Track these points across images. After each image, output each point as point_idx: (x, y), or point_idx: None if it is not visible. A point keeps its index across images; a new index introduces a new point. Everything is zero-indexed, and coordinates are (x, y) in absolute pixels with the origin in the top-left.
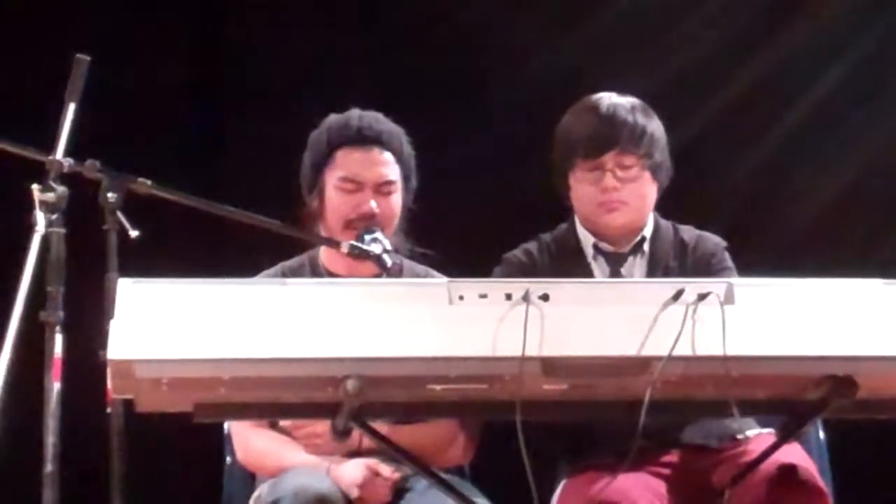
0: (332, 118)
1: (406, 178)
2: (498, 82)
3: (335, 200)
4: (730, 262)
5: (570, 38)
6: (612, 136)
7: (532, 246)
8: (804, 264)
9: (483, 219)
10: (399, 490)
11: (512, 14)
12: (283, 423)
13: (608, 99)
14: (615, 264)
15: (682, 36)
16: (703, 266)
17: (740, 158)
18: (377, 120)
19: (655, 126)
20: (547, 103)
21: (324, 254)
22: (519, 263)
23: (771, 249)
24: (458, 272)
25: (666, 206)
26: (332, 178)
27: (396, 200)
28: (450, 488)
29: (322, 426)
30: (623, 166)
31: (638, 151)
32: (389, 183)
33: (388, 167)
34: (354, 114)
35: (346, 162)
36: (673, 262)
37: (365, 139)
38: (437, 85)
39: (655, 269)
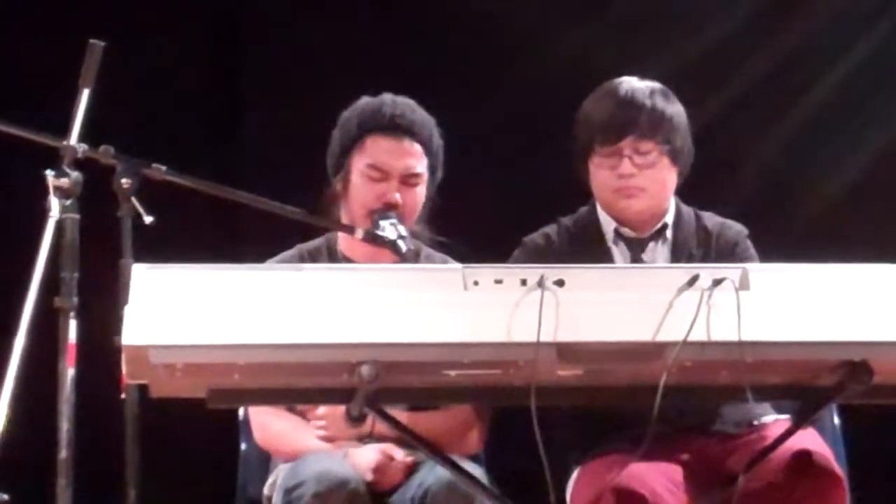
0: (365, 101)
1: (433, 169)
2: (516, 67)
3: (360, 188)
4: (753, 251)
5: (589, 22)
6: (629, 121)
7: (551, 230)
8: (821, 249)
9: (502, 206)
10: (411, 473)
11: None
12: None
13: (627, 83)
14: (636, 249)
15: (700, 20)
16: (726, 254)
17: (757, 143)
18: (410, 108)
19: (676, 110)
20: (566, 88)
21: (342, 239)
22: (536, 247)
23: (787, 234)
24: (476, 260)
25: (683, 190)
26: (359, 164)
27: (421, 192)
28: (462, 472)
29: (325, 409)
30: (640, 152)
31: (656, 137)
32: (416, 175)
33: (417, 159)
34: (388, 99)
35: (375, 149)
36: (696, 249)
37: (397, 128)
38: (456, 69)
39: (679, 256)
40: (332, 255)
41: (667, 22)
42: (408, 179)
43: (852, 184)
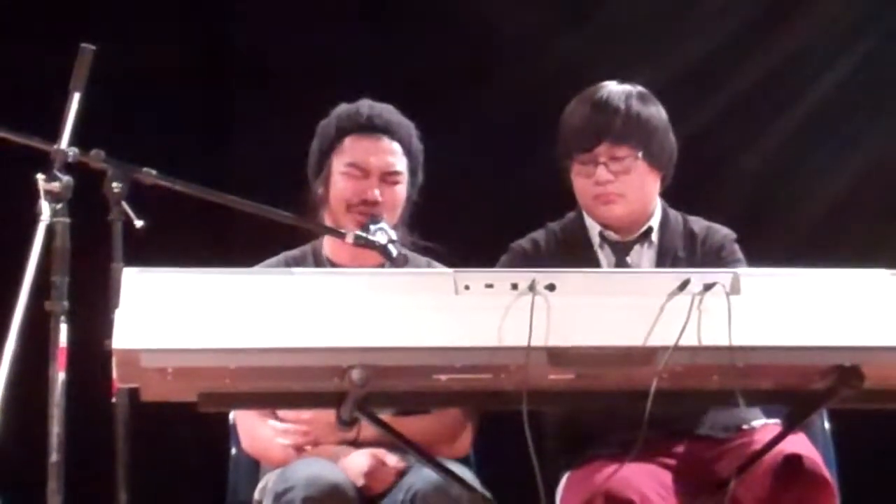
0: (343, 107)
1: (412, 171)
2: (504, 73)
3: (340, 185)
4: (740, 254)
5: (579, 28)
6: (602, 126)
7: (539, 235)
8: (813, 254)
9: (490, 211)
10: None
11: (520, 4)
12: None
13: (604, 88)
14: (620, 253)
15: (692, 26)
16: (712, 258)
17: (749, 149)
18: (388, 110)
19: (653, 113)
20: (558, 92)
21: (327, 244)
22: (523, 252)
23: (779, 240)
24: (466, 264)
25: (675, 196)
26: (338, 164)
27: (401, 191)
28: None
29: (308, 413)
30: (616, 158)
31: (630, 141)
32: (396, 173)
33: (396, 157)
34: (365, 103)
35: (354, 148)
36: (682, 252)
37: (374, 127)
38: (444, 74)
39: (664, 259)
40: (318, 261)
41: (658, 28)
42: (387, 177)
43: (845, 190)
